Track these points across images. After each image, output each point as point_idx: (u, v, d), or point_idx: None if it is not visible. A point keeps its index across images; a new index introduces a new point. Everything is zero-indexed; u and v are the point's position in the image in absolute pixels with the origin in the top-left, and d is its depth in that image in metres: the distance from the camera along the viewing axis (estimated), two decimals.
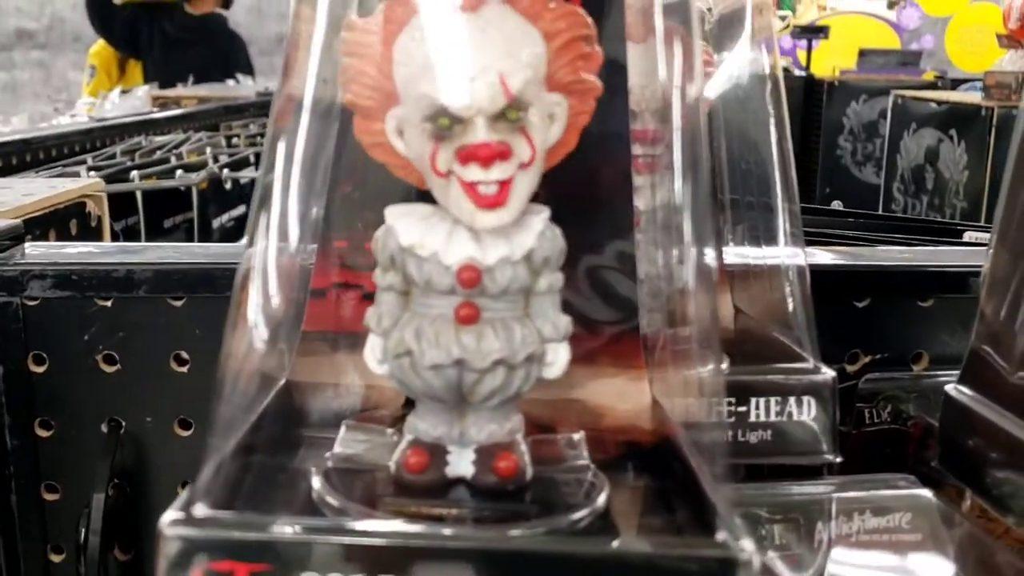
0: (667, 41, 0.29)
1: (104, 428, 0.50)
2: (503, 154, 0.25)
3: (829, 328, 0.43)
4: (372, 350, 0.27)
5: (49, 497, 0.50)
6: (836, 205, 1.56)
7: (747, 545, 0.22)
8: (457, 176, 0.25)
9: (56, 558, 0.51)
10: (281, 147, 0.29)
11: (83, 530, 0.47)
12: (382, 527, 0.23)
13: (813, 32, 3.68)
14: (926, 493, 0.36)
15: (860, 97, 2.99)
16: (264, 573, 0.22)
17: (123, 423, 0.50)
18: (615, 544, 0.23)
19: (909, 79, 2.95)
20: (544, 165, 0.26)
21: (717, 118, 0.44)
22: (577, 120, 0.27)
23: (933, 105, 2.20)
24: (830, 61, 3.62)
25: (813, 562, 0.34)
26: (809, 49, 3.50)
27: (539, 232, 0.26)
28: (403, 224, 0.27)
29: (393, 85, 0.26)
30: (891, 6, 4.94)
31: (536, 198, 0.26)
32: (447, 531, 0.24)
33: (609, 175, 0.31)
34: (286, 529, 0.23)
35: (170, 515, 0.23)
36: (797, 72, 3.50)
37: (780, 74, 0.43)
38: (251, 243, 0.28)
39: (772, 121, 0.43)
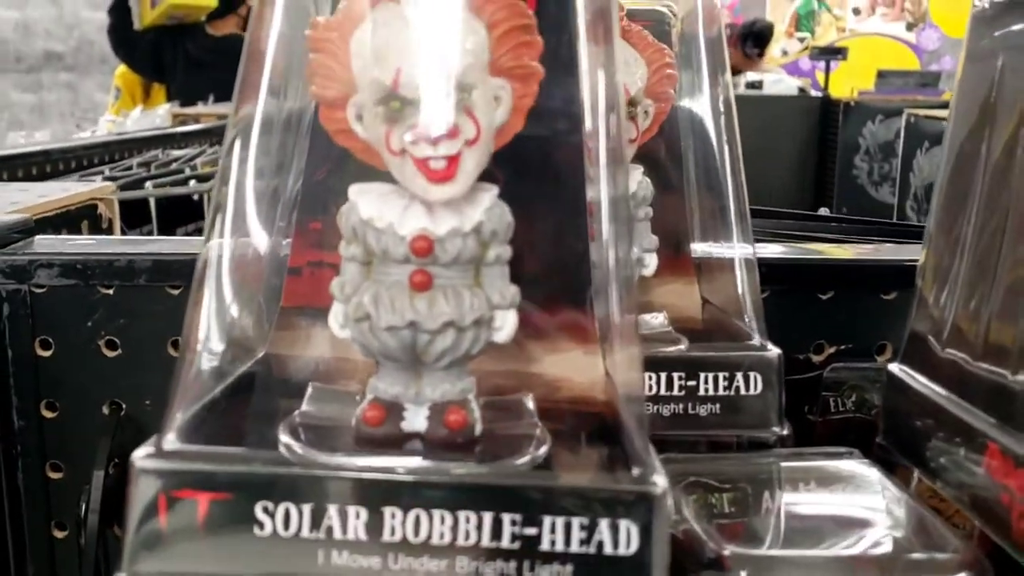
0: (590, 39, 0.32)
1: (106, 410, 0.52)
2: (450, 132, 0.28)
3: (795, 319, 0.45)
4: (335, 316, 0.30)
5: (53, 475, 0.53)
6: (823, 211, 1.58)
7: (659, 480, 0.25)
8: (410, 154, 0.28)
9: (60, 534, 0.54)
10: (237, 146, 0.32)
11: (83, 507, 0.49)
12: (332, 461, 0.26)
13: (832, 53, 3.69)
14: (870, 467, 0.38)
15: (876, 117, 2.99)
16: (223, 501, 0.25)
17: (123, 405, 0.52)
18: (547, 478, 0.26)
19: (927, 100, 2.95)
20: (492, 144, 0.29)
21: (681, 119, 0.47)
22: (522, 103, 0.29)
23: (946, 124, 2.20)
24: (849, 82, 3.63)
25: (761, 530, 0.36)
26: (827, 70, 3.50)
27: (487, 207, 0.29)
28: (364, 200, 0.29)
29: (352, 75, 0.29)
30: (910, 28, 4.96)
31: (493, 179, 0.29)
32: (397, 466, 0.26)
33: (563, 158, 0.34)
34: (245, 463, 0.25)
35: (143, 451, 0.26)
36: (814, 93, 3.51)
37: (731, 91, 0.46)
38: (208, 238, 0.31)
39: (724, 133, 0.46)
